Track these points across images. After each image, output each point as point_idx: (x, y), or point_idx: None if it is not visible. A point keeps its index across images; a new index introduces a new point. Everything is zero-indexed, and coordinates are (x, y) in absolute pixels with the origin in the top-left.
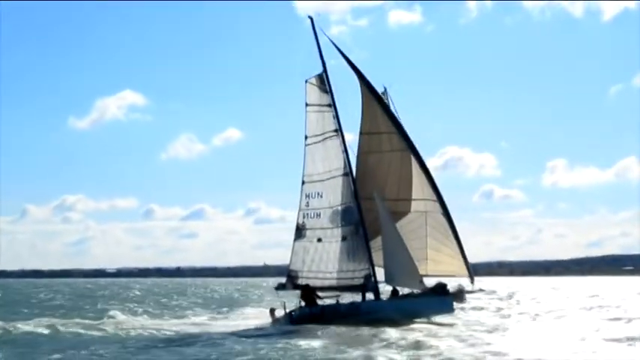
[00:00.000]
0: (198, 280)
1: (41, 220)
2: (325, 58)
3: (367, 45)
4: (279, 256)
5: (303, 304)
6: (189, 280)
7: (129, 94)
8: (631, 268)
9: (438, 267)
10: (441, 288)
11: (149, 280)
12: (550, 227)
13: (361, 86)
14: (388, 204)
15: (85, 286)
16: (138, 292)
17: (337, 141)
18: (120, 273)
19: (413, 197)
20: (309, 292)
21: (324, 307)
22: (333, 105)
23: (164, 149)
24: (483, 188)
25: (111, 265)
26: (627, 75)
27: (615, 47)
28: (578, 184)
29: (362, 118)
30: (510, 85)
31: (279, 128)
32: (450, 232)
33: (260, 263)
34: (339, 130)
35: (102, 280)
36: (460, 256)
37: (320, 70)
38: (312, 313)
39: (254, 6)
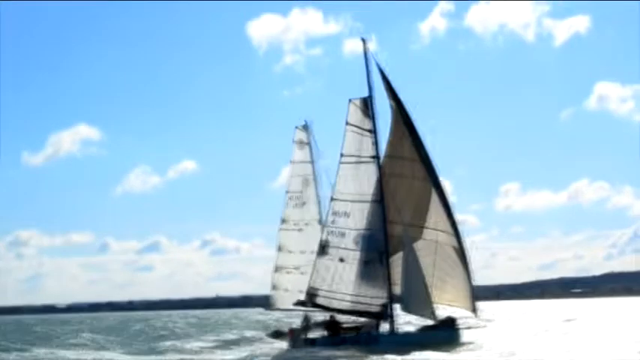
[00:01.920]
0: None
1: None
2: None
3: (322, 74)
4: (234, 288)
5: (326, 333)
6: (139, 313)
7: (83, 129)
8: (579, 290)
9: (442, 295)
10: (450, 321)
11: (101, 315)
12: (504, 251)
13: (395, 111)
14: (400, 228)
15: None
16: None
17: (373, 167)
18: (71, 308)
19: (426, 225)
20: (334, 324)
21: (345, 337)
22: (374, 131)
23: (119, 182)
24: None
25: (64, 301)
26: (578, 98)
27: (566, 71)
28: (531, 208)
29: (388, 142)
30: (463, 111)
31: (235, 159)
32: (458, 266)
33: (214, 295)
34: (376, 158)
35: (51, 317)
36: (465, 289)
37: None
38: (333, 342)
39: (208, 36)
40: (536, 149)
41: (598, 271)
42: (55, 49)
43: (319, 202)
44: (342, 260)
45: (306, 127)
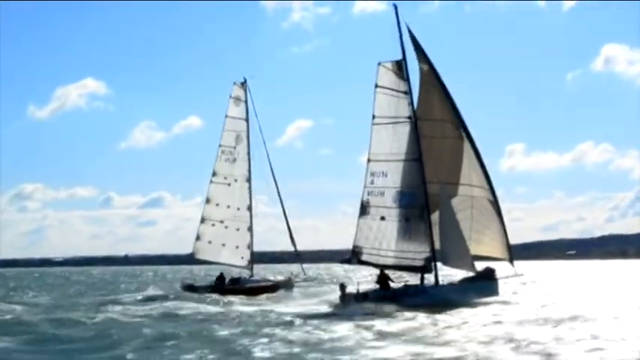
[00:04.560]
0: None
1: None
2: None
3: (330, 32)
4: None
5: (378, 287)
6: (131, 268)
7: (90, 83)
8: (573, 252)
9: (480, 247)
10: (490, 272)
11: (95, 270)
12: (507, 212)
13: (424, 74)
14: (437, 186)
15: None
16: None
17: (409, 127)
18: (67, 262)
19: (460, 182)
20: (384, 278)
21: (395, 290)
22: (409, 93)
23: (124, 137)
24: None
25: (65, 254)
26: (585, 61)
27: (574, 33)
28: (535, 169)
29: (418, 104)
30: (470, 71)
31: None
32: (494, 217)
33: None
34: (412, 118)
35: (48, 270)
36: (502, 241)
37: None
38: (385, 295)
39: None
40: (542, 111)
41: (599, 233)
42: (63, 3)
43: (249, 160)
44: (383, 218)
45: (244, 84)
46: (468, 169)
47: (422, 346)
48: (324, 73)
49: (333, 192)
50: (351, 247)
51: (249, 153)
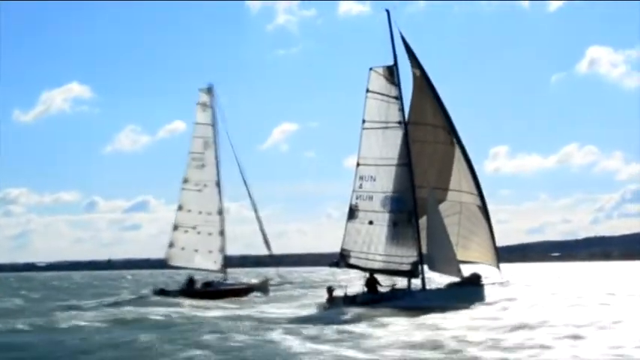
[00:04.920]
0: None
1: None
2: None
3: (315, 35)
4: None
5: (366, 290)
6: (114, 272)
7: (75, 87)
8: (558, 254)
9: (467, 253)
10: (476, 278)
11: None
12: (492, 214)
13: (417, 79)
14: (427, 191)
15: None
16: None
17: (399, 132)
18: (51, 267)
19: (450, 188)
20: (373, 282)
21: (383, 293)
22: (400, 98)
23: (109, 141)
24: None
25: (50, 259)
26: (570, 63)
27: (559, 35)
28: (520, 171)
29: (410, 109)
30: (454, 73)
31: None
32: (482, 223)
33: None
34: (402, 123)
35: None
36: (489, 246)
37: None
38: (373, 298)
39: None
40: (527, 113)
41: (584, 235)
42: (48, 7)
43: (217, 165)
44: (371, 223)
45: (209, 90)
46: (458, 175)
47: (342, 349)
48: (309, 76)
49: (318, 195)
50: (338, 250)
51: (217, 157)
